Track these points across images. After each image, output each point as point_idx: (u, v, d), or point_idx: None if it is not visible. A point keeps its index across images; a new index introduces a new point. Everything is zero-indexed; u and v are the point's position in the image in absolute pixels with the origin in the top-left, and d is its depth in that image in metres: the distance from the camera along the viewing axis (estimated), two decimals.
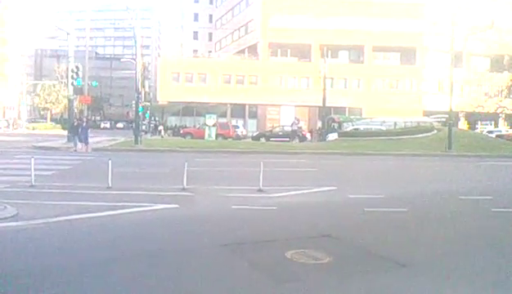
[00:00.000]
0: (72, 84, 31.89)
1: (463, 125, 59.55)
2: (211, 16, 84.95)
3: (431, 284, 6.09)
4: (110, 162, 13.71)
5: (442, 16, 56.00)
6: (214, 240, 8.04)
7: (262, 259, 7.01)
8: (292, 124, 44.10)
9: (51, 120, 78.19)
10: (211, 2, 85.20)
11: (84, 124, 29.52)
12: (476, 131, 54.57)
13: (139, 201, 11.58)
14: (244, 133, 50.48)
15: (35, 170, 14.16)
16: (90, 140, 29.14)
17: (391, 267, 6.83)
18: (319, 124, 51.05)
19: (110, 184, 13.30)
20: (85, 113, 40.80)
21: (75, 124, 29.47)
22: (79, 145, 27.80)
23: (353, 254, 7.46)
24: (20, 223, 9.03)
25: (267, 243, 7.97)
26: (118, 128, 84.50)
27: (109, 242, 8.07)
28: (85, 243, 7.89)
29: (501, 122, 60.12)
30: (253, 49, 65.33)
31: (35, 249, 7.52)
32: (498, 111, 42.71)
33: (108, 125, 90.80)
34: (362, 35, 61.66)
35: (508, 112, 43.39)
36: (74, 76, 31.39)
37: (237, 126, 50.97)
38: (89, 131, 29.76)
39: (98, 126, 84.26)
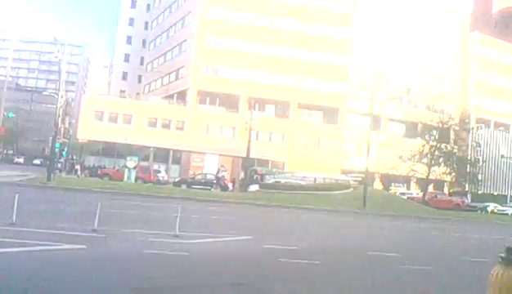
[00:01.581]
0: None
1: (378, 185, 62.28)
2: (142, 58, 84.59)
3: None
4: (16, 196, 12.87)
5: (364, 81, 59.59)
6: (121, 286, 7.67)
7: None
8: (218, 171, 44.13)
9: None
10: (143, 45, 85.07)
11: None
12: (390, 191, 57.21)
13: (43, 239, 10.87)
14: (166, 178, 49.65)
15: None
16: None
17: None
18: (242, 175, 51.36)
19: (15, 220, 12.44)
20: None
21: None
22: None
23: None
24: None
25: (177, 290, 7.71)
26: (34, 165, 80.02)
27: None
28: None
29: (413, 185, 63.56)
30: (182, 95, 65.48)
31: None
32: (410, 174, 45.32)
33: (21, 160, 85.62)
34: (288, 92, 63.86)
35: (419, 176, 46.08)
36: None
37: (159, 171, 50.13)
38: None
39: (11, 161, 79.46)
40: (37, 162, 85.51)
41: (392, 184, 64.06)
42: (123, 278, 8.31)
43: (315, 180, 45.36)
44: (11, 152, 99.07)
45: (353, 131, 63.48)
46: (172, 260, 10.35)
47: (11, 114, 51.04)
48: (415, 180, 55.75)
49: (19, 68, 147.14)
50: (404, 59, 69.19)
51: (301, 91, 64.49)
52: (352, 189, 38.79)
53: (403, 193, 53.62)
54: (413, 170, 44.04)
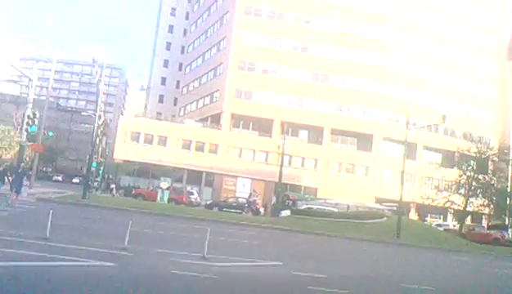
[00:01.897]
0: (26, 130, 31.07)
1: (413, 215, 60.83)
2: (178, 82, 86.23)
3: None
4: (51, 212, 13.13)
5: (399, 108, 58.84)
6: None
7: None
8: (249, 195, 44.10)
9: None
10: (180, 69, 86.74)
11: (20, 170, 25.98)
12: (425, 222, 55.74)
13: (75, 255, 11.02)
14: (198, 200, 49.82)
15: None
16: (35, 189, 28.06)
17: None
18: (273, 199, 51.09)
19: (48, 235, 12.66)
20: (35, 163, 39.49)
21: (1, 169, 25.97)
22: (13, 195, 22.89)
23: None
24: None
25: None
26: (73, 183, 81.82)
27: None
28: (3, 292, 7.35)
29: (450, 216, 61.82)
30: (216, 118, 66.14)
31: None
32: (447, 205, 43.99)
33: (60, 178, 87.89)
34: (322, 117, 63.65)
35: (456, 207, 44.70)
36: (30, 122, 30.64)
37: (192, 193, 50.34)
38: (24, 179, 25.96)
39: (50, 178, 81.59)
40: (76, 180, 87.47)
41: (428, 214, 62.44)
42: None
43: (348, 207, 44.66)
44: (49, 170, 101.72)
45: (388, 158, 62.51)
46: (198, 281, 10.29)
47: (51, 133, 52.52)
48: (451, 211, 54.11)
49: (60, 88, 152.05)
50: (440, 85, 68.08)
51: (335, 116, 64.22)
52: (385, 218, 37.92)
53: (439, 225, 52.14)
54: (449, 201, 42.78)
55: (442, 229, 46.51)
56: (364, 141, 65.43)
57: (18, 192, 22.97)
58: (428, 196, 41.94)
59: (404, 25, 67.19)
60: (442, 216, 63.46)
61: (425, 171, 60.27)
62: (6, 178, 24.43)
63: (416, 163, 62.15)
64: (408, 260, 22.39)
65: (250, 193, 44.68)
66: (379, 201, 55.94)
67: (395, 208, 42.17)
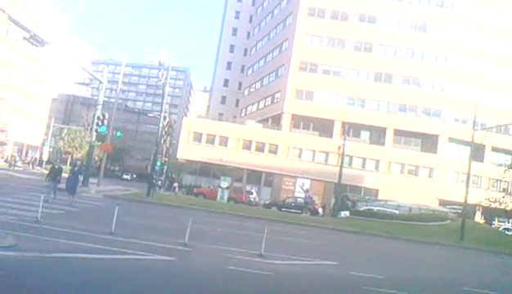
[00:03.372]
0: (96, 131, 32.68)
1: (479, 219, 58.44)
2: (240, 83, 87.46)
3: None
4: (116, 208, 13.87)
5: (467, 108, 56.75)
6: None
7: None
8: (305, 197, 44.17)
9: (71, 164, 79.57)
10: (242, 71, 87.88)
11: (76, 169, 24.00)
12: (492, 226, 53.43)
13: (138, 249, 11.62)
14: (257, 200, 50.38)
15: (43, 208, 14.46)
16: (102, 187, 29.11)
17: None
18: (333, 200, 50.75)
19: (114, 230, 13.40)
20: (104, 162, 41.42)
21: (56, 167, 23.02)
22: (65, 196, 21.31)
23: None
24: (16, 253, 9.17)
25: None
26: (137, 181, 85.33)
27: (95, 284, 8.09)
28: (71, 280, 7.94)
29: None
30: (276, 119, 66.49)
31: (20, 279, 7.60)
32: None
33: (129, 177, 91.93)
34: (385, 118, 62.46)
35: None
36: (100, 123, 32.20)
37: (251, 193, 50.99)
38: (80, 178, 23.82)
39: (119, 177, 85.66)
40: (127, 177, 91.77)
41: (496, 218, 59.75)
42: (205, 289, 8.65)
43: (410, 209, 43.69)
44: (117, 168, 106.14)
45: (453, 160, 60.36)
46: (254, 278, 10.56)
47: (119, 134, 54.69)
48: None
49: (128, 91, 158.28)
50: (510, 83, 64.92)
51: (398, 117, 62.81)
52: (449, 220, 36.78)
53: (507, 229, 49.82)
54: None
55: (510, 233, 44.45)
56: (428, 142, 63.54)
57: (72, 192, 21.39)
58: (496, 199, 40.14)
59: (472, 23, 64.63)
60: (510, 220, 60.54)
61: (493, 174, 57.63)
62: (59, 177, 22.16)
63: (484, 165, 59.62)
64: (471, 263, 21.66)
65: (305, 195, 44.72)
66: (443, 203, 54.23)
67: (459, 211, 40.79)
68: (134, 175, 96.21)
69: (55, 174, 21.83)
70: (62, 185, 22.51)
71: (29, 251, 9.44)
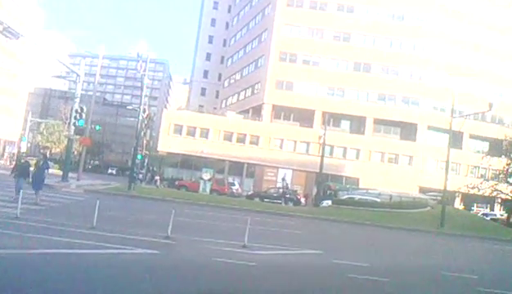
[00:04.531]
0: (74, 124, 32.20)
1: (459, 205, 59.41)
2: (220, 74, 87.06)
3: None
4: (97, 202, 13.70)
5: (443, 96, 57.44)
6: (188, 289, 7.95)
7: None
8: (282, 186, 44.39)
9: (50, 159, 78.41)
10: (221, 62, 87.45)
11: (42, 163, 20.65)
12: (471, 212, 54.37)
13: (120, 243, 11.50)
14: (240, 191, 50.37)
15: (23, 204, 14.21)
16: (82, 181, 28.78)
17: None
18: (315, 190, 51.02)
19: (95, 225, 13.23)
20: (83, 156, 40.90)
21: (22, 162, 20.95)
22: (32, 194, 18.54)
23: None
24: None
25: None
26: (113, 175, 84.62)
27: (79, 280, 7.96)
28: (55, 276, 7.81)
29: (497, 206, 60.04)
30: (257, 110, 66.44)
31: (3, 277, 7.44)
32: (494, 194, 42.74)
33: (114, 171, 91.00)
34: (364, 107, 62.92)
35: (503, 196, 43.38)
36: (77, 116, 31.74)
37: (233, 184, 50.95)
38: (46, 172, 20.38)
39: (104, 172, 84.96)
40: (112, 171, 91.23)
41: (475, 204, 60.82)
42: (191, 282, 8.59)
43: (391, 197, 44.10)
44: (97, 163, 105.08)
45: (432, 148, 61.13)
46: (239, 269, 10.55)
47: (98, 127, 54.21)
48: (499, 200, 52.52)
49: (106, 83, 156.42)
50: (487, 72, 65.82)
51: (378, 106, 63.32)
52: (429, 207, 37.27)
53: (486, 214, 50.73)
54: (496, 190, 41.54)
55: (488, 218, 45.28)
56: (408, 131, 64.26)
57: (38, 189, 18.85)
58: (474, 185, 40.81)
59: (448, 11, 65.28)
60: (488, 206, 61.73)
61: (471, 160, 58.67)
62: (28, 173, 19.86)
63: (462, 152, 60.48)
64: (452, 249, 22.00)
65: (282, 183, 44.93)
66: (423, 191, 54.94)
67: (439, 198, 41.36)
68: (119, 170, 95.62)
69: (21, 170, 19.68)
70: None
71: (10, 249, 9.25)
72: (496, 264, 18.48)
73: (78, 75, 33.88)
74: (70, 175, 33.10)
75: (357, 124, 64.76)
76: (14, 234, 10.99)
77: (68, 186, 29.40)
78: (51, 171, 25.62)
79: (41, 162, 20.59)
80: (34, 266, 8.43)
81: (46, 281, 7.49)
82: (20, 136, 79.24)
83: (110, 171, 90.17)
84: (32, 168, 20.56)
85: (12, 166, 20.77)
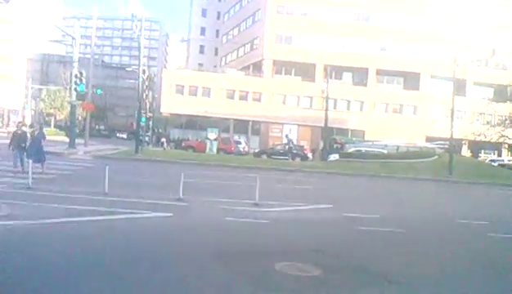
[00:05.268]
0: (75, 90, 31.92)
1: (466, 152, 59.45)
2: (218, 31, 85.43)
3: None
4: (107, 168, 13.71)
5: (446, 44, 56.49)
6: (204, 249, 8.01)
7: (250, 269, 6.98)
8: (287, 142, 44.36)
9: (55, 126, 78.33)
10: (218, 17, 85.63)
11: (37, 133, 19.49)
12: (479, 159, 54.44)
13: (133, 208, 11.55)
14: (246, 149, 50.36)
15: (33, 173, 14.23)
16: (90, 147, 28.77)
17: (380, 283, 6.78)
18: (321, 144, 51.01)
19: (107, 191, 13.28)
20: (88, 121, 40.83)
21: (19, 132, 18.96)
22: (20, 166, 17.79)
23: (343, 269, 7.41)
24: (10, 222, 9.02)
25: (256, 255, 7.93)
26: (121, 138, 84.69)
27: (96, 245, 8.02)
28: (72, 245, 7.86)
29: (504, 151, 60.09)
30: (257, 66, 65.64)
31: (17, 248, 7.49)
32: (501, 140, 42.62)
33: (125, 135, 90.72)
34: (366, 58, 62.02)
35: (510, 142, 43.28)
36: (78, 81, 31.42)
37: (239, 142, 50.87)
38: (43, 142, 18.85)
39: (114, 136, 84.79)
40: (123, 135, 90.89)
41: (482, 151, 60.81)
42: (207, 243, 8.64)
43: (397, 148, 44.07)
44: (102, 127, 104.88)
45: (437, 96, 60.60)
46: (252, 227, 10.62)
47: (99, 91, 53.52)
48: (506, 146, 52.50)
49: (103, 45, 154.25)
50: (489, 17, 64.21)
51: (380, 57, 62.41)
52: (437, 156, 37.33)
53: (493, 160, 50.80)
54: (503, 136, 41.38)
55: (496, 164, 45.36)
56: (411, 80, 63.60)
57: (39, 160, 17.77)
58: (481, 132, 40.68)
59: None
60: (496, 152, 61.73)
61: (477, 107, 58.28)
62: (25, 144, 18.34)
63: (467, 99, 60.01)
64: (462, 196, 22.13)
65: (287, 139, 44.99)
66: (430, 140, 54.86)
67: (446, 146, 41.34)
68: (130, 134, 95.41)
69: (18, 141, 18.23)
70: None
71: (23, 220, 9.30)
72: (506, 209, 18.55)
73: (73, 38, 33.32)
74: (77, 141, 33.10)
75: (360, 76, 64.07)
76: (27, 205, 11.03)
77: (76, 153, 29.47)
78: (58, 138, 25.65)
79: (36, 132, 19.54)
80: (52, 236, 8.49)
81: (66, 248, 7.54)
82: (23, 105, 78.99)
83: (118, 135, 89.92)
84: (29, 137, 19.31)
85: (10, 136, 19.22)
